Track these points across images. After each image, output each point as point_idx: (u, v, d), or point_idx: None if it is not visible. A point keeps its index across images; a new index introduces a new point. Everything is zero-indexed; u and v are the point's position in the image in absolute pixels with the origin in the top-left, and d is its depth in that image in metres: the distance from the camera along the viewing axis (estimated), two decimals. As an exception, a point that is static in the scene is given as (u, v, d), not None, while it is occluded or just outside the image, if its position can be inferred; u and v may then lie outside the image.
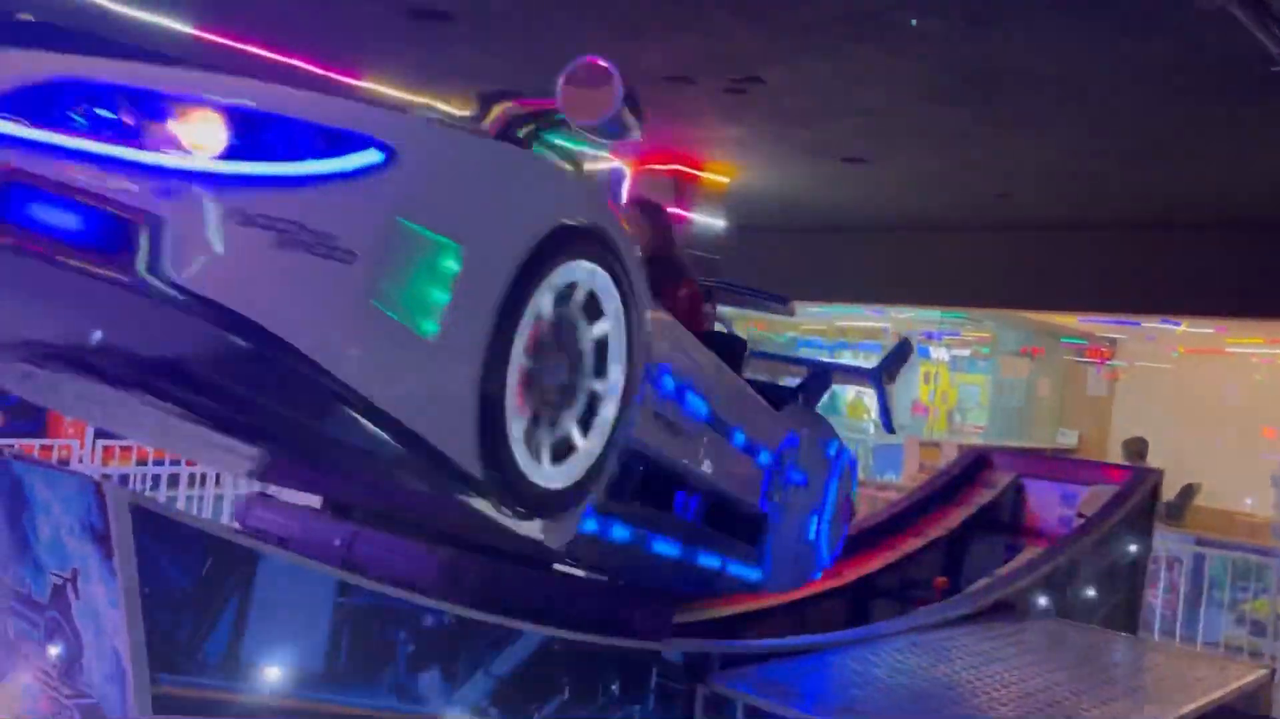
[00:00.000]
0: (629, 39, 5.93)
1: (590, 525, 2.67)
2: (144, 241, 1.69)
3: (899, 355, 4.62)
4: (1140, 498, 6.00)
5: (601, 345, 2.40)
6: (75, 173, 1.73)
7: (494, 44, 6.27)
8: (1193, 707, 3.85)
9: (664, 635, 3.16)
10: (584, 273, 2.30)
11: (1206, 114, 6.31)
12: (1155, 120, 6.61)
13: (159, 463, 6.99)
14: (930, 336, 12.52)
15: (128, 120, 1.77)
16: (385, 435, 1.96)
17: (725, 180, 9.30)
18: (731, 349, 3.58)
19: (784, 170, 9.00)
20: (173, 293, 1.69)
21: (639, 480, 2.90)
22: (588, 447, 2.41)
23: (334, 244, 1.77)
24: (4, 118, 1.79)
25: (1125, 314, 11.11)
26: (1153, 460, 9.18)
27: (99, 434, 7.29)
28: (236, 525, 3.33)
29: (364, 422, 1.92)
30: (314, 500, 3.38)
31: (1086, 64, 5.63)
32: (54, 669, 2.41)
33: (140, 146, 1.75)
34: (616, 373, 2.44)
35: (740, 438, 3.39)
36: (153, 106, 1.79)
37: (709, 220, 9.24)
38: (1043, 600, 5.12)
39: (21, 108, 1.79)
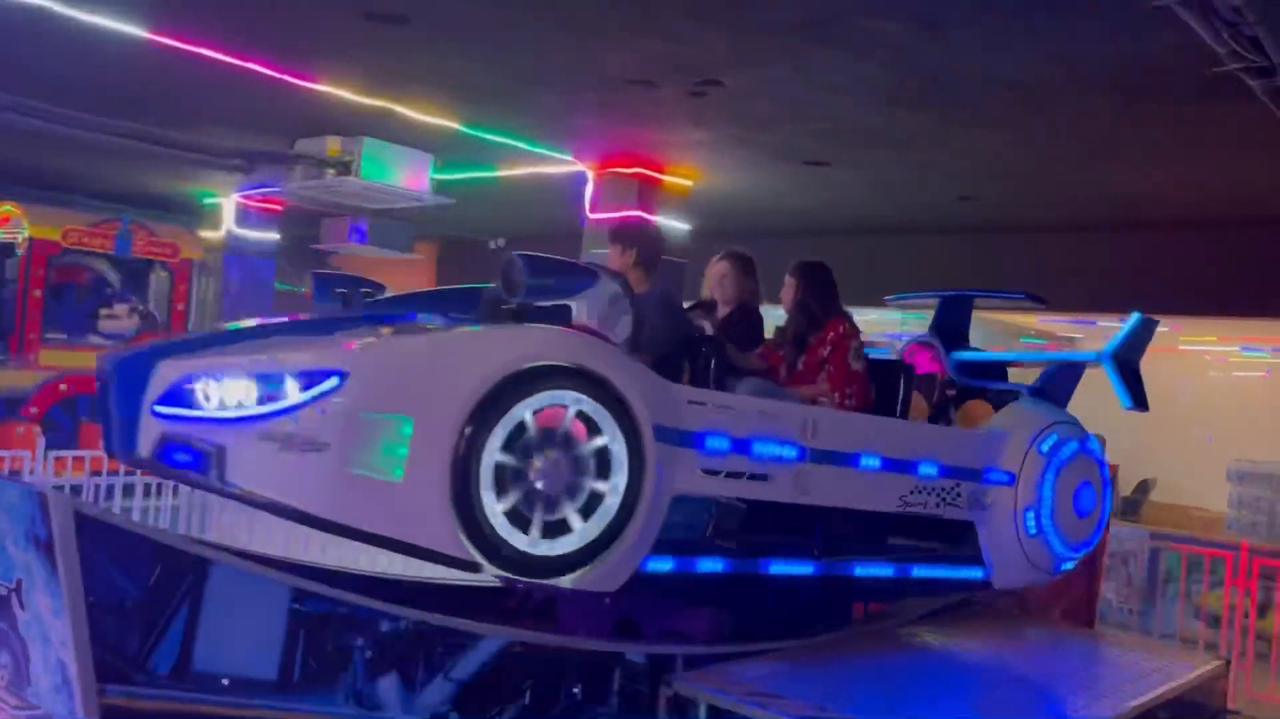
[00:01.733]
0: (589, 43, 5.92)
1: (810, 568, 3.79)
2: (216, 462, 2.88)
3: (1138, 332, 4.80)
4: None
5: (603, 454, 3.15)
6: (188, 429, 2.94)
7: (451, 48, 6.24)
8: (1149, 697, 3.90)
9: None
10: (569, 398, 3.09)
11: (1156, 115, 6.41)
12: (1108, 122, 6.71)
13: (113, 473, 6.87)
14: (893, 339, 12.60)
15: (210, 392, 2.96)
16: (392, 548, 2.97)
17: (688, 184, 9.32)
18: (898, 380, 4.32)
19: (747, 174, 9.03)
20: (231, 490, 2.87)
21: (831, 527, 3.84)
22: (584, 530, 3.12)
23: (315, 440, 2.85)
24: (164, 405, 2.99)
25: (1082, 314, 11.26)
26: (1109, 457, 9.31)
27: (50, 445, 7.15)
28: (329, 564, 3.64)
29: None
30: None
31: (1041, 67, 5.70)
32: (1, 680, 2.36)
33: (218, 407, 2.94)
34: (620, 478, 3.16)
35: (923, 467, 4.06)
36: (220, 380, 2.97)
37: (673, 224, 9.25)
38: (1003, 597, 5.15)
39: (168, 399, 2.99)
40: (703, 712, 3.36)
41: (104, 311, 11.43)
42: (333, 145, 8.66)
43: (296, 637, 2.47)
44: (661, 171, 9.07)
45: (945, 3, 4.94)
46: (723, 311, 4.39)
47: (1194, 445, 11.18)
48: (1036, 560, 4.38)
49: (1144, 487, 10.89)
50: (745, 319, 4.37)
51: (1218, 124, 6.42)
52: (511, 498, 2.98)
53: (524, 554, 2.99)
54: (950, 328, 4.93)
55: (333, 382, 2.89)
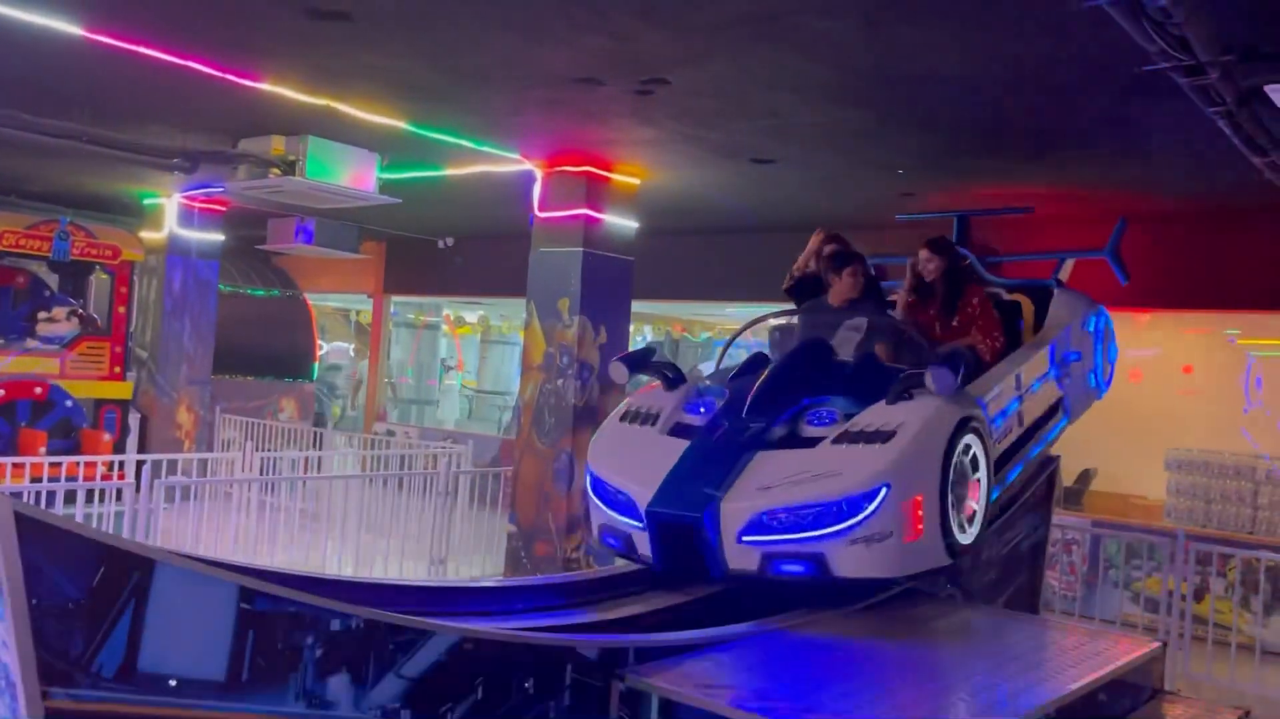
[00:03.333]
0: (534, 41, 5.92)
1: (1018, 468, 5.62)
2: (820, 564, 4.13)
3: (1120, 234, 7.15)
4: (1039, 484, 6.22)
5: (975, 465, 4.63)
6: (786, 548, 4.13)
7: (395, 45, 6.21)
8: (1090, 679, 4.01)
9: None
10: (971, 440, 4.54)
11: (1089, 112, 6.57)
12: (1043, 119, 6.87)
13: (54, 479, 6.73)
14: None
15: (782, 520, 4.14)
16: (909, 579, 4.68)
17: (636, 182, 9.35)
18: (1013, 313, 6.13)
19: (694, 171, 9.08)
20: (838, 580, 4.16)
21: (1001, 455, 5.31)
22: (980, 516, 4.66)
23: (883, 533, 4.14)
24: (750, 534, 4.16)
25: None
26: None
27: (-11, 451, 7.01)
28: (273, 566, 3.84)
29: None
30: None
31: (977, 64, 5.81)
32: (-62, 689, 2.32)
33: (796, 527, 4.13)
34: (986, 483, 4.67)
35: (1036, 382, 5.67)
36: (787, 511, 4.18)
37: (621, 222, 9.27)
38: (948, 585, 5.26)
39: (751, 530, 4.17)
40: (654, 704, 3.39)
41: (42, 315, 11.19)
42: (277, 144, 8.55)
43: (244, 636, 2.45)
44: (609, 170, 9.09)
45: (883, 1, 5.02)
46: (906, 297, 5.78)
47: (1134, 435, 11.46)
48: (1092, 399, 6.51)
49: (1085, 476, 11.14)
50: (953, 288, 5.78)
51: (1149, 122, 6.60)
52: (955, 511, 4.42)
53: (960, 544, 4.44)
54: (969, 243, 6.82)
55: (884, 491, 4.08)
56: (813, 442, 4.39)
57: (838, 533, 4.05)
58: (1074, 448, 10.23)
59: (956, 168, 8.40)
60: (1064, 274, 6.84)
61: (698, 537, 4.18)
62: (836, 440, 4.33)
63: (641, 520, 4.40)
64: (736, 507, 4.15)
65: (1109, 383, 6.77)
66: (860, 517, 4.05)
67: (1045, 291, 6.33)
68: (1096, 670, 4.12)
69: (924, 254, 5.65)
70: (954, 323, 5.59)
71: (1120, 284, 7.17)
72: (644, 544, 4.44)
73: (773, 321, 5.95)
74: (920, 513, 4.18)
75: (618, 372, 5.23)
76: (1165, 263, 9.73)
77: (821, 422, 4.51)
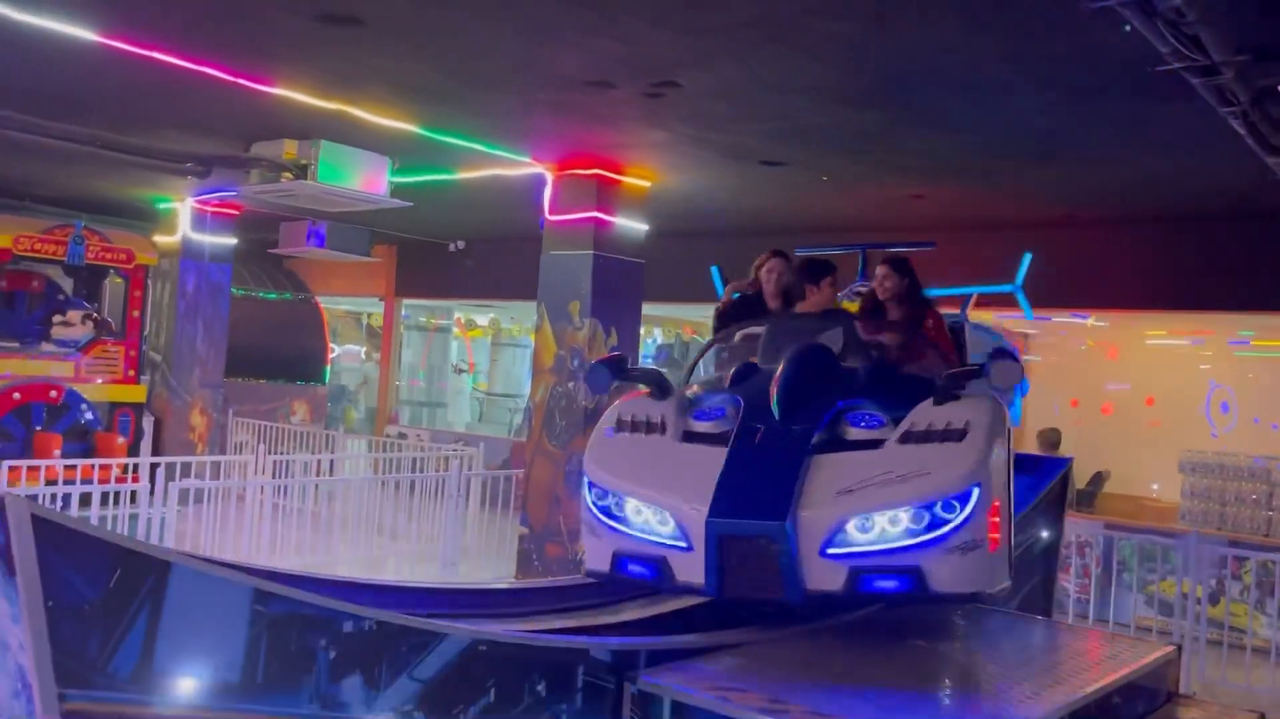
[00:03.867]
0: (545, 45, 5.94)
1: None
2: (918, 579, 3.63)
3: (1028, 267, 6.85)
4: (1053, 486, 6.19)
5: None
6: (878, 560, 3.66)
7: (406, 50, 6.23)
8: (1104, 683, 3.99)
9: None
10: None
11: (1102, 112, 6.55)
12: (1056, 120, 6.84)
13: (69, 482, 6.78)
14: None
15: (868, 526, 3.68)
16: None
17: (646, 185, 9.36)
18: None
19: (704, 174, 9.09)
20: (932, 596, 3.72)
21: None
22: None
23: (975, 540, 3.73)
24: (833, 547, 3.67)
25: (1037, 309, 11.43)
26: (1065, 449, 9.48)
27: (3, 454, 7.04)
28: (288, 569, 3.78)
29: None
30: None
31: (989, 65, 5.80)
32: (-44, 691, 2.33)
33: (886, 536, 3.67)
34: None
35: None
36: (877, 515, 3.67)
37: (631, 225, 9.28)
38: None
39: (833, 542, 3.67)
40: (667, 707, 3.39)
41: (57, 319, 11.25)
42: (289, 148, 8.60)
43: (259, 639, 2.46)
44: (620, 172, 9.10)
45: (895, 3, 5.02)
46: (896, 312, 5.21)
47: (1148, 437, 11.41)
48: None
49: (1098, 479, 11.09)
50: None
51: (1162, 122, 6.57)
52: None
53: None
54: (869, 276, 6.08)
55: (976, 492, 3.65)
56: (868, 444, 3.90)
57: (934, 540, 3.58)
58: (1088, 449, 10.20)
59: (967, 169, 8.38)
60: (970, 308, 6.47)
61: (774, 553, 3.59)
62: (903, 440, 3.84)
63: (686, 540, 3.71)
64: (817, 514, 3.60)
65: (1018, 419, 6.74)
66: (955, 521, 3.59)
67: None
68: (1111, 674, 4.10)
69: (882, 271, 5.25)
70: (912, 343, 5.09)
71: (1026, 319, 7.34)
72: (690, 568, 3.71)
73: (739, 334, 5.19)
74: (998, 519, 3.79)
75: (599, 377, 4.51)
76: (1177, 264, 9.70)
77: (867, 424, 3.99)
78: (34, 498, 6.58)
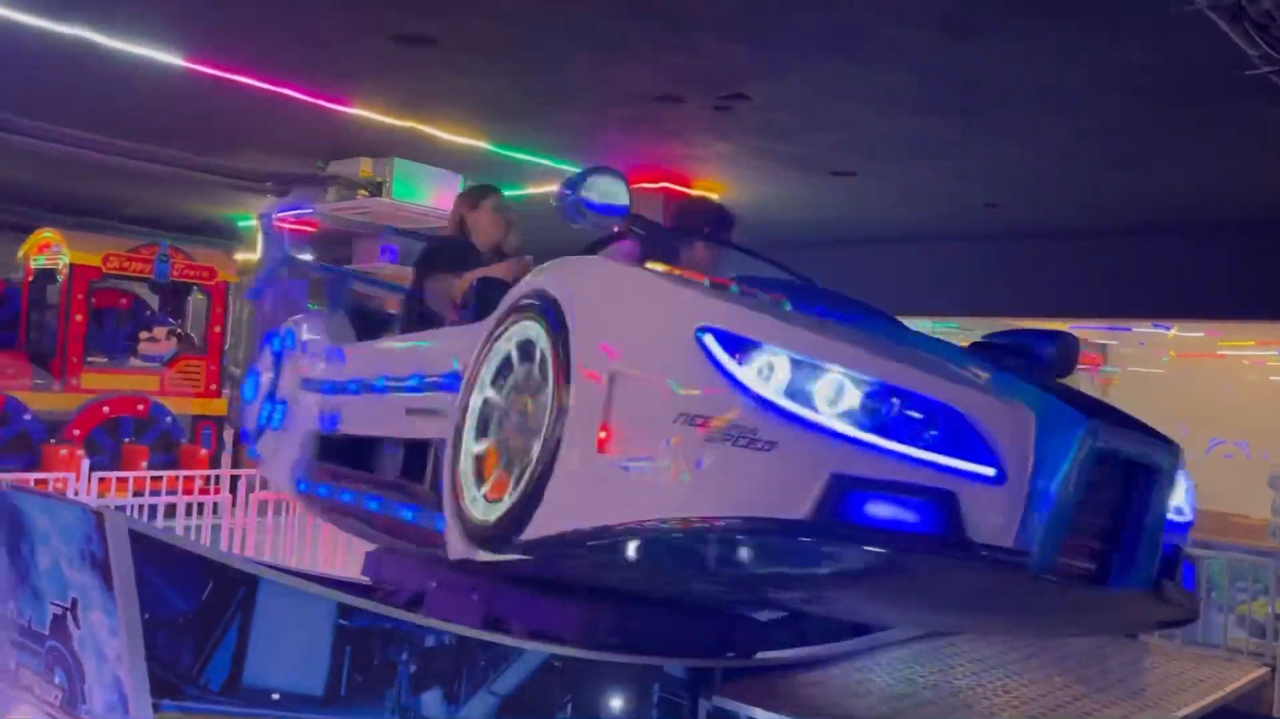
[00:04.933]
0: (614, 60, 5.98)
1: None
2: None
3: None
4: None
5: None
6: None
7: (478, 68, 6.32)
8: (1194, 708, 3.85)
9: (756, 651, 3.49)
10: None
11: (1186, 117, 6.37)
12: (1137, 125, 6.68)
13: (155, 493, 6.97)
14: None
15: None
16: None
17: (714, 197, 9.35)
18: None
19: (773, 185, 9.05)
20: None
21: None
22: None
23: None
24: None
25: (1115, 319, 11.15)
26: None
27: (94, 466, 7.27)
28: (366, 580, 3.46)
29: None
30: None
31: (1067, 71, 5.68)
32: (55, 699, 2.42)
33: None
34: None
35: None
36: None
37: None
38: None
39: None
40: (743, 724, 3.36)
41: (143, 335, 11.61)
42: (364, 166, 8.79)
43: (342, 652, 2.50)
44: (687, 185, 9.11)
45: (968, 10, 4.95)
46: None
47: (1235, 451, 11.03)
48: None
49: (1183, 493, 10.75)
50: None
51: (1248, 126, 6.37)
52: None
53: None
54: None
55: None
56: None
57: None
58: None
59: (1042, 177, 8.22)
60: None
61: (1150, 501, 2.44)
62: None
63: (996, 463, 2.22)
64: None
65: None
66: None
67: None
68: (1202, 698, 3.96)
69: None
70: None
71: None
72: (1002, 514, 2.21)
73: None
74: None
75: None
76: (1263, 271, 9.37)
77: None
78: (123, 508, 6.81)
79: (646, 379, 2.33)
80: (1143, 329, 11.55)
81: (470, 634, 2.80)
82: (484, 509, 2.67)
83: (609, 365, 2.39)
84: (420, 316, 3.84)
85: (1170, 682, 4.24)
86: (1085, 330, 12.57)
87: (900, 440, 2.19)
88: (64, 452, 9.72)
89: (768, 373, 2.21)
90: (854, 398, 2.20)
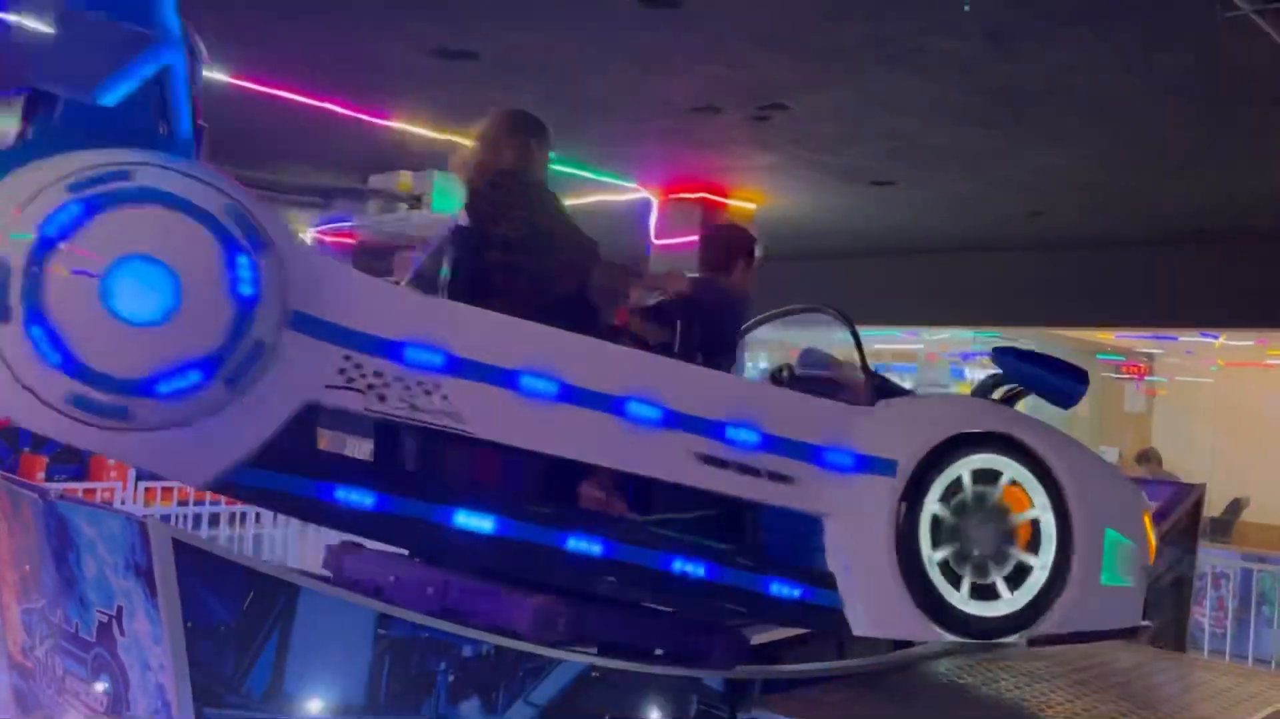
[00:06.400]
0: (652, 72, 5.99)
1: None
2: None
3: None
4: (1182, 514, 5.90)
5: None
6: None
7: (519, 82, 6.37)
8: (1247, 725, 3.76)
9: (738, 663, 3.42)
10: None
11: (1233, 124, 6.26)
12: (1184, 132, 6.57)
13: (199, 503, 7.08)
14: (965, 358, 12.43)
15: None
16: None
17: (753, 208, 9.33)
18: None
19: (813, 196, 9.02)
20: None
21: None
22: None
23: None
24: None
25: (1162, 328, 10.97)
26: (1196, 476, 9.01)
27: (140, 476, 7.40)
28: (327, 574, 3.42)
29: None
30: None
31: (1113, 79, 5.61)
32: (100, 705, 2.46)
33: None
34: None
35: None
36: None
37: (738, 247, 9.26)
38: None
39: None
40: (782, 737, 3.33)
41: (188, 346, 11.80)
42: (405, 180, 8.87)
43: (382, 660, 2.52)
44: (726, 196, 9.10)
45: (1010, 17, 4.90)
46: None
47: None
48: None
49: (1235, 507, 10.52)
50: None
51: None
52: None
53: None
54: None
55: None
56: None
57: None
58: (1223, 476, 9.69)
59: (1088, 185, 8.11)
60: None
61: None
62: None
63: None
64: None
65: None
66: None
67: None
68: (1252, 715, 3.87)
69: None
70: None
71: None
72: None
73: None
74: None
75: None
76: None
77: None
78: (168, 518, 6.92)
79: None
80: (1190, 338, 11.34)
81: (509, 645, 2.80)
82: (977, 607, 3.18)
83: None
84: (578, 307, 3.38)
85: (1220, 698, 4.14)
86: (1131, 340, 12.37)
87: None
88: (111, 462, 9.92)
89: None
90: None
